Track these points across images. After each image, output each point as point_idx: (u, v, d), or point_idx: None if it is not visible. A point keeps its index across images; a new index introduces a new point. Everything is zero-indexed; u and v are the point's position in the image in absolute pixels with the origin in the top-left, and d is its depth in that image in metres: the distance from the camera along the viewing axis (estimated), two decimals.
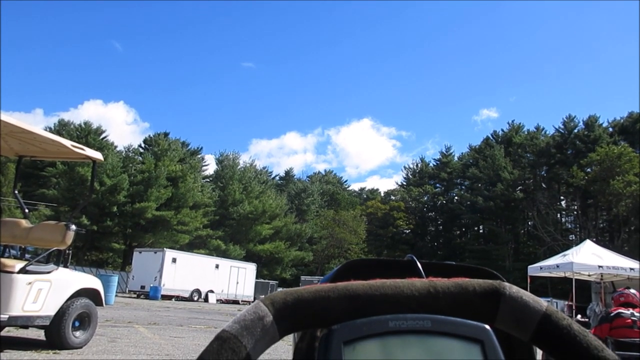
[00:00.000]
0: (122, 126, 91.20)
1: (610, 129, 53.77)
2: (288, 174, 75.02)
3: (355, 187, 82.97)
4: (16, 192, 7.94)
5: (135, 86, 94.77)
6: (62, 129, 48.47)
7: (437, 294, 0.53)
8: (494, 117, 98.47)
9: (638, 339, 5.33)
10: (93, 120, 63.00)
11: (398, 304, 0.52)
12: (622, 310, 5.62)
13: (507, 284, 0.54)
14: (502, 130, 62.76)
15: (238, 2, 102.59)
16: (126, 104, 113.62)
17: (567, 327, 0.50)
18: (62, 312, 6.59)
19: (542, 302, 0.53)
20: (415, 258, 0.70)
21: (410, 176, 68.76)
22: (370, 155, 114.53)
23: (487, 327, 0.51)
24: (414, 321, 0.51)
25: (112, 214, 39.64)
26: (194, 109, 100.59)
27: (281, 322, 0.50)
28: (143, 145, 55.33)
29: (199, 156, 60.24)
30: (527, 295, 0.53)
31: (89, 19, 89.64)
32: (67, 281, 6.80)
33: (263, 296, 0.53)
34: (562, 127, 56.28)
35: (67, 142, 6.80)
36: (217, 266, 33.39)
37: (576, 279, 17.55)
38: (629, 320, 5.49)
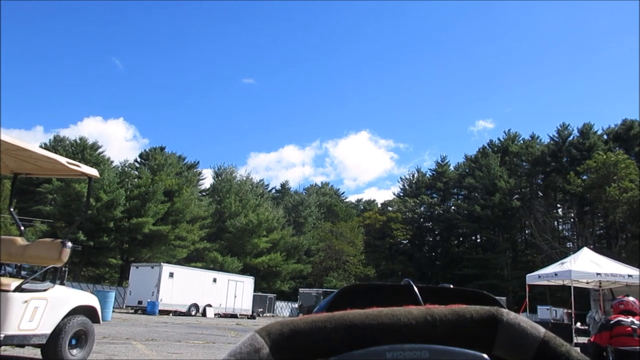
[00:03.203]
0: (122, 142, 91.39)
1: (605, 137, 54.08)
2: (284, 186, 74.99)
3: (352, 198, 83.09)
4: (12, 209, 7.91)
5: (135, 103, 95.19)
6: (57, 144, 48.43)
7: (434, 322, 0.52)
8: (490, 128, 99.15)
9: (638, 347, 5.31)
10: (93, 137, 63.02)
11: (395, 333, 0.52)
12: (622, 318, 5.60)
13: (504, 310, 0.54)
14: (499, 139, 63.12)
15: (237, 16, 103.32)
16: (126, 120, 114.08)
17: (566, 354, 0.50)
18: (58, 330, 6.53)
19: (540, 329, 0.52)
20: (412, 282, 0.70)
21: (407, 187, 68.79)
22: (368, 168, 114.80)
23: (486, 356, 0.51)
24: (411, 352, 0.50)
25: (108, 229, 39.41)
26: (193, 124, 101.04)
27: (278, 354, 0.50)
28: (139, 160, 55.39)
29: (196, 170, 60.29)
30: (524, 322, 0.53)
31: (89, 35, 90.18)
32: (63, 299, 6.74)
33: (259, 327, 0.52)
34: (556, 135, 56.63)
35: (63, 159, 6.79)
36: (214, 280, 33.16)
37: (575, 287, 17.53)
38: (629, 329, 5.47)
